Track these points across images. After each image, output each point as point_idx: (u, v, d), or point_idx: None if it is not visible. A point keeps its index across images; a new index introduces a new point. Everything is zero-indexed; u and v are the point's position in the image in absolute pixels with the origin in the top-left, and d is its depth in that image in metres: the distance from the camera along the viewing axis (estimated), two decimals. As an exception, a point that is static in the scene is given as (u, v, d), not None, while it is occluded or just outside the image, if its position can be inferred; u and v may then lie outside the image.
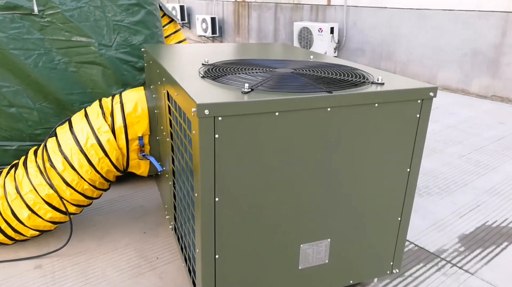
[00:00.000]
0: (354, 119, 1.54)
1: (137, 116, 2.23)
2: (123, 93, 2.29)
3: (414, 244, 2.50)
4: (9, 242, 2.29)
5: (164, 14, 3.33)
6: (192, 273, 1.79)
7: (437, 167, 3.63)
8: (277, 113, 1.42)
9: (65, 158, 2.12)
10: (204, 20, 9.96)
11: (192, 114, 1.33)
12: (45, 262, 2.26)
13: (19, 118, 2.65)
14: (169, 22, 3.39)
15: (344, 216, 1.70)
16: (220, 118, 1.35)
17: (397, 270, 1.94)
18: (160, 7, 3.22)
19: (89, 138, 2.14)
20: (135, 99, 2.25)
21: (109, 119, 2.19)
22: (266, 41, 9.10)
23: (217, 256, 1.53)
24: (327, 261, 1.74)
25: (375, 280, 2.09)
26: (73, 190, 2.15)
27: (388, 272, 1.92)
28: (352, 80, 1.67)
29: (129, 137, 2.23)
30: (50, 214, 2.19)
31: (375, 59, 7.16)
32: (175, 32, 3.46)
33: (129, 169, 2.35)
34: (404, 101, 1.60)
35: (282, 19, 8.58)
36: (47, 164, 2.13)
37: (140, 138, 2.26)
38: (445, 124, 4.82)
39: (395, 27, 6.77)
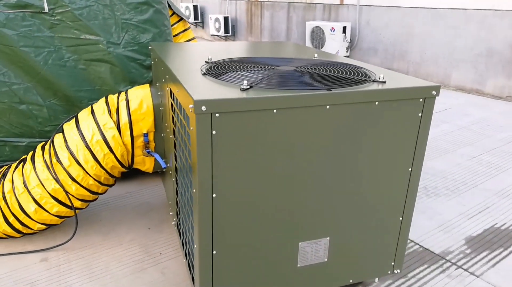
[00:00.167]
0: (354, 117, 1.53)
1: (142, 113, 2.26)
2: (129, 90, 2.32)
3: (419, 245, 2.47)
4: (17, 235, 2.34)
5: (173, 13, 3.36)
6: (191, 269, 1.80)
7: (447, 168, 3.57)
8: (275, 111, 1.42)
9: (71, 153, 2.16)
10: (217, 20, 10.00)
11: (190, 110, 1.34)
12: (51, 255, 2.31)
13: (29, 115, 2.70)
14: (178, 21, 3.42)
15: (344, 215, 1.69)
16: (217, 115, 1.35)
17: (398, 271, 1.92)
18: (169, 5, 3.25)
19: (94, 134, 2.17)
20: (140, 96, 2.27)
21: (115, 115, 2.22)
22: (278, 40, 9.09)
23: (214, 252, 1.54)
24: (326, 259, 1.74)
25: (376, 280, 2.07)
26: (78, 185, 2.19)
27: (389, 272, 1.90)
28: (353, 78, 1.66)
29: (134, 133, 2.25)
30: (56, 208, 2.23)
31: (387, 58, 7.08)
32: (184, 30, 3.48)
33: (134, 166, 2.38)
34: (406, 100, 1.58)
35: (294, 18, 8.56)
36: (54, 159, 2.17)
37: (145, 135, 2.28)
38: (457, 125, 4.75)
39: (409, 26, 6.69)
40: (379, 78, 1.64)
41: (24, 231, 2.32)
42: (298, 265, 1.70)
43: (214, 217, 1.49)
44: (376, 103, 1.54)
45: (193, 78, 1.61)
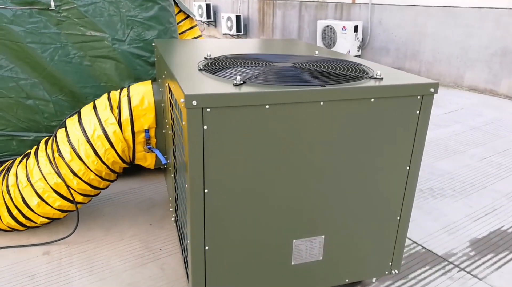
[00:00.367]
0: (349, 114, 1.51)
1: (143, 109, 2.27)
2: (131, 86, 2.34)
3: (421, 246, 2.43)
4: (21, 228, 2.38)
5: (180, 10, 3.37)
6: (186, 265, 1.81)
7: (455, 169, 3.51)
8: (267, 106, 1.41)
9: (73, 148, 2.18)
10: (229, 18, 10.02)
11: (182, 105, 1.34)
12: (54, 249, 2.34)
13: (36, 110, 2.74)
14: (185, 18, 3.43)
15: (339, 213, 1.67)
16: (208, 110, 1.35)
17: (396, 271, 1.89)
18: (176, 3, 3.26)
19: (96, 130, 2.19)
20: (142, 93, 2.29)
21: (116, 111, 2.24)
22: (290, 39, 9.06)
23: (207, 248, 1.54)
24: (321, 258, 1.72)
25: (374, 280, 2.05)
26: (80, 180, 2.22)
27: (386, 272, 1.88)
28: (350, 74, 1.64)
29: (135, 129, 2.27)
30: (59, 202, 2.26)
31: (399, 58, 6.99)
32: (191, 28, 3.49)
33: (136, 161, 2.40)
34: (403, 97, 1.55)
35: (306, 17, 8.52)
36: (56, 154, 2.20)
37: (146, 131, 2.30)
38: (468, 126, 4.66)
39: (421, 25, 6.59)
40: (377, 75, 1.61)
41: (28, 224, 2.36)
42: (293, 263, 1.69)
43: (206, 213, 1.49)
44: (372, 100, 1.52)
45: (188, 73, 1.61)
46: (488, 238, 2.54)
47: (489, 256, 2.36)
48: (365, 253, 1.79)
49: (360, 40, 7.29)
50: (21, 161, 2.35)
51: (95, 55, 2.76)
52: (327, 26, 7.39)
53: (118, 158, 2.25)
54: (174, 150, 1.95)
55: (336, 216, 1.67)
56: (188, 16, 3.44)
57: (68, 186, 2.20)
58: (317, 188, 1.59)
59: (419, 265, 2.27)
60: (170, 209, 2.47)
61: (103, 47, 2.76)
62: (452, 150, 3.92)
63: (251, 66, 1.74)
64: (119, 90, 2.35)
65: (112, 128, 2.21)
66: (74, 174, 2.20)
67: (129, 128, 2.24)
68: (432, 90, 1.57)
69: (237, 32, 10.04)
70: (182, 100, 1.32)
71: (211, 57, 1.96)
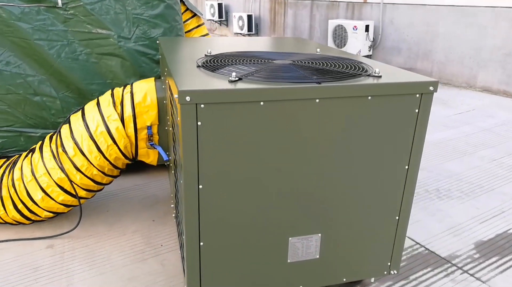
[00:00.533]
0: (345, 111, 1.50)
1: (146, 105, 2.29)
2: (134, 83, 2.36)
3: (424, 247, 2.40)
4: (26, 222, 2.42)
5: (187, 9, 3.39)
6: (183, 260, 1.81)
7: (464, 170, 3.45)
8: (262, 103, 1.41)
9: (76, 144, 2.21)
10: (240, 18, 10.04)
11: (176, 100, 1.35)
12: (57, 243, 2.38)
13: (43, 106, 2.79)
14: (192, 17, 3.45)
15: (336, 212, 1.65)
16: (202, 106, 1.35)
17: (395, 271, 1.87)
18: (182, 1, 3.28)
19: (99, 126, 2.22)
20: (145, 89, 2.31)
21: (119, 108, 2.26)
22: (301, 39, 9.02)
23: (201, 243, 1.54)
24: (318, 256, 1.71)
25: (372, 280, 2.02)
26: (82, 175, 2.24)
27: (385, 272, 1.85)
28: (348, 72, 1.62)
29: (138, 126, 2.29)
30: (62, 197, 2.30)
31: (411, 58, 6.91)
32: (198, 26, 3.51)
33: (139, 158, 2.42)
34: (401, 95, 1.54)
35: (318, 17, 8.48)
36: (60, 149, 2.24)
37: (149, 128, 2.31)
38: (479, 127, 4.58)
39: (433, 25, 6.50)
40: (375, 73, 1.60)
41: (33, 218, 2.40)
42: (289, 261, 1.68)
43: (200, 209, 1.49)
44: (369, 97, 1.50)
45: (186, 70, 1.62)
46: (494, 240, 2.49)
47: (494, 259, 2.32)
48: (363, 252, 1.77)
49: (371, 39, 7.23)
50: (26, 155, 2.39)
51: (101, 53, 2.80)
52: (338, 25, 7.35)
53: (120, 154, 2.28)
54: (174, 147, 1.96)
55: (332, 214, 1.66)
56: (195, 15, 3.45)
57: (71, 181, 2.23)
58: (312, 186, 1.58)
59: (421, 266, 2.24)
60: (172, 206, 2.48)
61: (109, 45, 2.79)
62: (461, 152, 3.86)
63: (249, 64, 1.74)
64: (122, 87, 2.38)
65: (114, 124, 2.23)
66: (77, 169, 2.23)
67: (132, 124, 2.26)
68: (431, 88, 1.55)
69: (248, 31, 10.05)
70: (176, 95, 1.33)
71: (211, 54, 1.97)
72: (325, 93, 1.44)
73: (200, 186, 1.46)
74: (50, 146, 2.29)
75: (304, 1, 8.75)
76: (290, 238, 1.64)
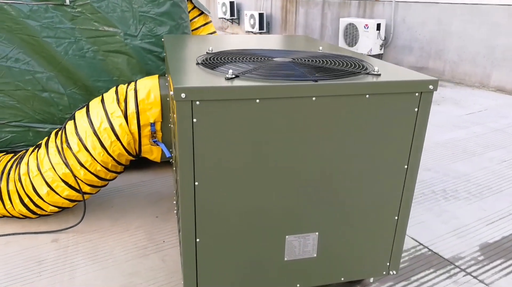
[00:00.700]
0: (342, 110, 1.49)
1: (149, 103, 2.31)
2: (138, 81, 2.38)
3: (428, 248, 2.37)
4: (32, 216, 2.47)
5: (194, 7, 3.40)
6: (181, 255, 1.83)
7: (472, 171, 3.40)
8: (258, 100, 1.41)
9: (80, 140, 2.24)
10: (252, 16, 10.03)
11: (172, 97, 1.36)
12: (62, 237, 2.42)
13: (51, 102, 2.83)
14: (199, 15, 3.46)
15: (333, 211, 1.65)
16: (197, 103, 1.36)
17: (394, 272, 1.85)
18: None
19: (102, 122, 2.25)
20: (148, 86, 2.33)
21: (123, 104, 2.29)
22: (312, 37, 8.98)
23: (198, 240, 1.55)
24: (315, 255, 1.71)
25: (371, 280, 2.01)
26: (86, 171, 2.28)
27: (384, 272, 1.84)
28: (347, 70, 1.61)
29: (141, 123, 2.31)
30: (67, 192, 2.33)
31: (423, 57, 6.82)
32: (205, 24, 3.52)
33: (142, 154, 2.44)
34: (399, 94, 1.52)
35: (329, 15, 8.42)
36: (65, 145, 2.27)
37: (152, 125, 2.33)
38: (491, 127, 4.50)
39: (446, 23, 6.40)
40: (374, 71, 1.58)
41: (39, 212, 2.44)
42: (286, 259, 1.68)
43: (196, 205, 1.50)
44: (367, 96, 1.49)
45: (184, 67, 1.63)
46: (500, 243, 2.45)
47: (498, 262, 2.28)
48: (362, 252, 1.76)
49: (383, 38, 7.16)
50: (33, 151, 2.43)
51: (108, 50, 2.83)
52: (349, 24, 7.29)
53: (123, 150, 2.30)
54: (174, 143, 1.98)
55: (330, 213, 1.65)
56: (202, 13, 3.47)
57: (75, 176, 2.27)
58: (309, 185, 1.57)
59: (423, 267, 2.21)
60: (174, 202, 2.50)
61: (115, 42, 2.82)
62: (470, 152, 3.80)
63: (249, 61, 1.74)
64: (127, 84, 2.40)
65: (118, 121, 2.25)
66: (81, 165, 2.26)
67: (135, 121, 2.29)
68: (431, 87, 1.53)
69: (259, 29, 10.04)
70: (171, 93, 1.34)
71: (212, 52, 1.97)
72: (322, 91, 1.43)
73: (196, 183, 1.47)
74: (56, 142, 2.32)
75: (315, -1, 8.70)
76: (287, 236, 1.64)
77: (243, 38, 2.75)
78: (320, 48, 2.16)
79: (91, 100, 2.85)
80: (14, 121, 2.80)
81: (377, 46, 7.12)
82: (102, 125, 2.25)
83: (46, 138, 2.44)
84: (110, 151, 2.27)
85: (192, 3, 3.35)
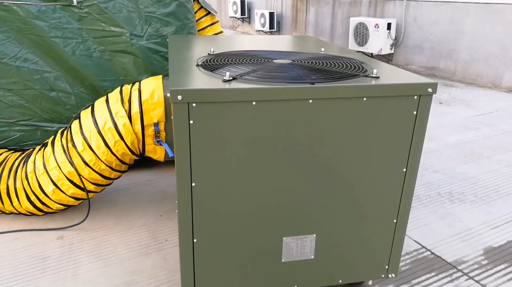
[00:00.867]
0: (339, 112, 1.49)
1: (153, 103, 2.33)
2: (142, 81, 2.41)
3: (430, 251, 2.35)
4: (39, 213, 2.52)
5: (201, 7, 3.42)
6: (180, 256, 1.85)
7: (479, 174, 3.35)
8: (254, 103, 1.42)
9: (85, 139, 2.28)
10: (262, 15, 10.03)
11: (169, 99, 1.38)
12: (67, 234, 2.46)
13: (59, 101, 2.88)
14: (206, 15, 3.48)
15: (331, 213, 1.65)
16: (194, 104, 1.37)
17: (393, 275, 1.84)
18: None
19: (107, 122, 2.28)
20: (152, 87, 2.35)
21: (127, 104, 2.32)
22: (322, 36, 8.94)
23: (195, 240, 1.57)
24: (313, 257, 1.71)
25: (370, 282, 2.00)
26: (91, 170, 2.31)
27: (383, 275, 1.83)
28: (346, 72, 1.61)
29: (145, 122, 2.33)
30: (72, 190, 2.37)
31: (434, 57, 6.74)
32: (211, 24, 3.54)
33: (146, 154, 2.47)
34: (398, 97, 1.51)
35: (339, 14, 8.38)
36: (70, 144, 2.31)
37: (156, 124, 2.35)
38: (501, 129, 4.43)
39: (458, 23, 6.31)
40: (373, 74, 1.57)
41: (45, 210, 2.49)
42: (283, 260, 1.69)
43: (194, 206, 1.52)
44: (364, 99, 1.49)
45: (184, 69, 1.64)
46: (505, 247, 2.42)
47: (502, 266, 2.25)
48: (360, 254, 1.76)
49: (393, 38, 7.09)
50: (40, 149, 2.48)
51: (114, 50, 2.86)
52: (360, 23, 7.24)
53: (127, 150, 2.33)
54: (176, 144, 2.00)
55: (327, 216, 1.65)
56: (209, 13, 3.48)
57: (80, 175, 2.31)
58: (306, 187, 1.58)
59: (425, 271, 2.20)
60: (176, 202, 2.52)
61: (122, 42, 2.85)
62: (478, 154, 3.75)
63: (248, 63, 1.75)
64: (131, 84, 2.43)
65: (122, 120, 2.28)
66: (86, 164, 2.30)
67: (139, 121, 2.31)
68: (430, 90, 1.52)
69: (270, 29, 10.03)
70: (168, 94, 1.35)
71: (213, 53, 1.98)
72: (318, 94, 1.43)
73: (193, 184, 1.48)
74: (61, 141, 2.36)
75: (326, -2, 8.66)
76: (284, 238, 1.65)
77: (248, 38, 2.76)
78: (322, 49, 2.15)
79: (97, 99, 2.89)
80: (23, 120, 2.85)
81: (387, 46, 7.06)
82: (106, 124, 2.28)
83: (52, 137, 2.49)
84: (114, 151, 2.30)
85: (199, 3, 3.37)
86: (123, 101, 2.33)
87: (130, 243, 2.39)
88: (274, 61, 1.81)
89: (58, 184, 2.36)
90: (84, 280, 2.09)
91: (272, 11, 9.99)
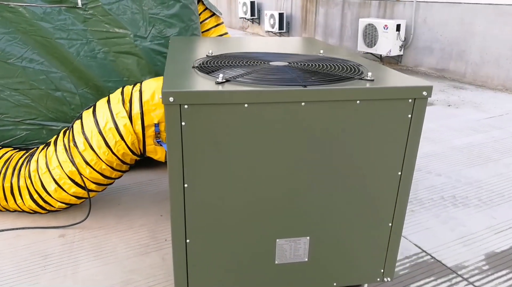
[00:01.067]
0: (332, 115, 1.49)
1: (154, 104, 2.35)
2: (143, 82, 2.43)
3: (430, 255, 2.33)
4: (42, 211, 2.56)
5: (206, 8, 3.44)
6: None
7: (485, 177, 3.31)
8: (246, 105, 1.42)
9: (86, 139, 2.31)
10: (272, 16, 10.03)
11: (161, 101, 1.39)
12: (69, 232, 2.49)
13: (64, 101, 2.92)
14: (210, 16, 3.49)
15: (325, 216, 1.64)
16: (186, 106, 1.39)
17: (389, 279, 1.83)
18: (201, 0, 3.34)
19: (108, 122, 2.31)
20: (153, 88, 2.37)
21: (128, 105, 2.34)
22: (331, 38, 8.91)
23: (188, 241, 1.58)
24: (306, 259, 1.71)
25: (366, 286, 1.99)
26: (92, 169, 2.34)
27: (378, 279, 1.82)
28: (340, 74, 1.60)
29: (145, 123, 2.35)
30: (74, 189, 2.41)
31: (444, 58, 6.66)
32: (216, 25, 3.55)
33: (147, 154, 2.49)
34: (392, 100, 1.50)
35: (349, 15, 8.33)
36: (71, 143, 2.34)
37: (156, 125, 2.37)
38: (510, 132, 4.36)
39: (468, 24, 6.23)
40: (368, 76, 1.57)
41: (48, 208, 2.53)
42: (276, 262, 1.69)
43: (186, 207, 1.53)
44: (358, 102, 1.48)
45: (179, 71, 1.65)
46: (507, 252, 2.38)
47: (504, 272, 2.21)
48: (354, 258, 1.75)
49: (403, 39, 7.03)
50: (43, 148, 2.52)
51: (118, 51, 2.89)
52: (369, 24, 7.19)
53: (128, 150, 2.36)
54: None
55: (321, 218, 1.64)
56: (213, 14, 3.50)
57: (81, 174, 2.34)
58: (299, 190, 1.57)
59: (424, 275, 2.18)
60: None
61: (126, 44, 2.88)
62: (486, 158, 3.70)
63: (244, 65, 1.75)
64: (132, 85, 2.45)
65: (123, 121, 2.31)
66: (87, 163, 2.33)
67: (139, 121, 2.33)
68: (424, 93, 1.50)
69: (279, 29, 10.03)
70: (160, 96, 1.36)
71: (212, 55, 1.99)
72: (310, 97, 1.43)
73: (186, 185, 1.49)
74: (63, 140, 2.40)
75: (335, -1, 8.62)
76: (277, 240, 1.65)
77: (250, 40, 2.76)
78: (321, 51, 2.15)
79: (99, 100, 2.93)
80: (29, 119, 2.90)
81: (396, 47, 7.00)
82: (107, 125, 2.31)
83: (55, 136, 2.53)
84: (114, 151, 2.32)
85: (204, 4, 3.39)
86: (124, 101, 2.35)
87: (130, 242, 2.42)
88: (270, 63, 1.81)
89: (60, 183, 2.39)
90: (83, 278, 2.11)
91: (281, 12, 9.98)
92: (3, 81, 2.75)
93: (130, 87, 2.45)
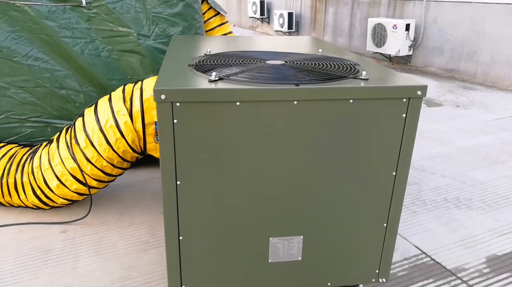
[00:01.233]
0: (325, 114, 1.48)
1: (154, 102, 2.37)
2: (144, 80, 2.45)
3: (430, 257, 2.31)
4: (45, 207, 2.60)
5: (210, 7, 3.45)
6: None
7: (490, 179, 3.26)
8: (238, 103, 1.42)
9: (87, 136, 2.34)
10: (281, 15, 10.02)
11: (152, 98, 1.40)
12: (70, 228, 2.53)
13: (68, 99, 2.96)
14: (215, 15, 3.51)
15: (318, 215, 1.64)
16: (178, 104, 1.39)
17: (384, 280, 1.82)
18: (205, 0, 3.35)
19: (108, 120, 2.33)
20: (154, 86, 2.39)
21: (129, 103, 2.36)
22: (340, 37, 8.86)
23: (181, 238, 1.59)
24: (300, 258, 1.70)
25: (361, 286, 1.97)
26: (93, 166, 2.37)
27: (373, 280, 1.81)
28: (334, 73, 1.60)
29: (146, 121, 2.37)
30: (75, 185, 2.44)
31: (454, 59, 6.57)
32: (221, 24, 3.56)
33: (147, 152, 2.51)
34: (385, 99, 1.49)
35: (358, 15, 8.28)
36: (73, 141, 2.38)
37: (157, 123, 2.39)
38: (519, 134, 4.29)
39: (479, 24, 6.14)
40: (362, 75, 1.56)
41: (50, 204, 2.57)
42: (270, 261, 1.69)
43: (179, 204, 1.54)
44: (351, 101, 1.47)
45: (174, 69, 1.67)
46: (509, 256, 2.34)
47: (504, 275, 2.18)
48: (349, 258, 1.74)
49: (412, 39, 6.95)
50: (46, 145, 2.56)
51: (122, 50, 2.92)
52: (378, 24, 7.14)
53: (128, 147, 2.38)
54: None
55: (314, 217, 1.64)
56: (218, 13, 3.51)
57: (82, 171, 2.37)
58: (291, 189, 1.57)
59: (422, 277, 2.15)
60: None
61: (129, 42, 2.91)
62: (492, 159, 3.64)
63: (240, 64, 1.76)
64: (134, 83, 2.47)
65: (123, 119, 2.33)
66: (88, 160, 2.36)
67: (140, 119, 2.35)
68: (419, 93, 1.49)
69: (288, 29, 10.01)
70: (152, 94, 1.37)
71: (210, 53, 2.00)
72: (302, 95, 1.43)
73: (178, 182, 1.50)
74: (65, 137, 2.43)
75: (345, -2, 8.58)
76: (270, 238, 1.65)
77: (252, 39, 2.76)
78: (320, 50, 2.14)
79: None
80: (34, 117, 2.95)
81: (405, 47, 6.93)
82: (108, 122, 2.34)
83: (58, 133, 2.56)
84: (115, 148, 2.35)
85: (208, 3, 3.40)
86: (125, 99, 2.37)
87: (129, 239, 2.44)
88: (266, 62, 1.81)
89: (62, 180, 2.42)
90: (82, 274, 2.14)
91: (291, 11, 9.96)
92: (8, 79, 2.80)
93: (131, 85, 2.47)
